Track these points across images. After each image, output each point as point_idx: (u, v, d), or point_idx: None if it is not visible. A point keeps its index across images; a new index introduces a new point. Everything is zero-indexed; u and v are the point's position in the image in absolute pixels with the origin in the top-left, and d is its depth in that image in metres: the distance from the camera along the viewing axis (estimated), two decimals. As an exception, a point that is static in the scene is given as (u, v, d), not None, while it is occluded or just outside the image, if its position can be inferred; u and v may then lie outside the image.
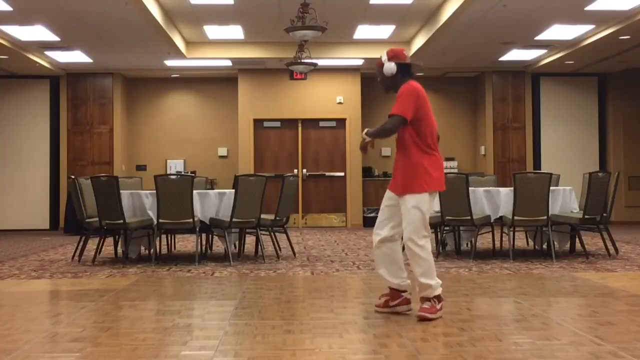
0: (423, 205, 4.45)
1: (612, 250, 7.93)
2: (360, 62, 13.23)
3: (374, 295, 5.08)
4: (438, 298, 4.44)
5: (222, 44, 12.34)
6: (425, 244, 4.43)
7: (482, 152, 14.26)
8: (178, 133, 14.59)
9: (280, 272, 6.73)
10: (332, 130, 13.90)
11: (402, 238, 4.56)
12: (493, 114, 13.91)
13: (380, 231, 4.58)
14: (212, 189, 10.09)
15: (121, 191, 7.40)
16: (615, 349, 3.52)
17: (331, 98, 13.82)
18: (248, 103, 13.73)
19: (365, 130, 4.64)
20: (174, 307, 4.87)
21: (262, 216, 7.70)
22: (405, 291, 4.59)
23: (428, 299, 4.43)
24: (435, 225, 8.04)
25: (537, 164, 13.87)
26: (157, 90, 14.61)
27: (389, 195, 4.63)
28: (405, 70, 4.62)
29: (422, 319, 4.34)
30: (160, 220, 7.38)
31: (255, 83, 13.78)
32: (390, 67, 4.59)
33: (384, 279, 4.63)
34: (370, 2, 9.61)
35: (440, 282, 4.48)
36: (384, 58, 4.64)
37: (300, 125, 13.86)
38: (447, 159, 14.47)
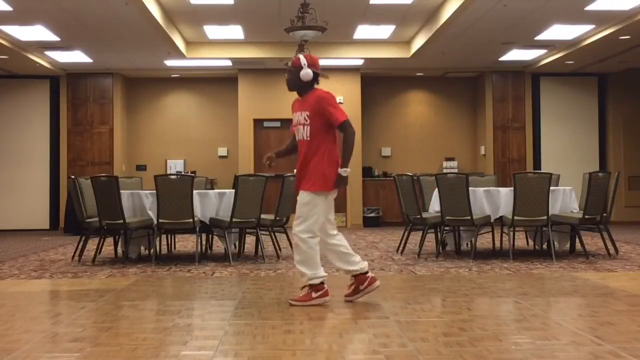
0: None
1: (612, 250, 7.92)
2: (360, 62, 13.22)
3: (374, 295, 5.08)
4: (316, 288, 4.80)
5: (222, 44, 12.34)
6: (307, 238, 4.81)
7: (482, 152, 14.26)
8: (178, 133, 14.59)
9: (280, 272, 6.73)
10: (332, 130, 13.87)
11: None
12: (493, 114, 13.91)
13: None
14: (212, 189, 10.08)
15: (121, 191, 7.40)
16: (615, 349, 3.52)
17: (331, 98, 13.79)
18: (248, 103, 13.73)
19: (345, 169, 4.91)
20: (174, 307, 4.87)
21: (262, 216, 7.70)
22: (367, 272, 4.97)
23: (304, 287, 4.88)
24: (435, 225, 8.05)
25: (537, 164, 13.87)
26: (157, 90, 14.62)
27: None
28: (316, 79, 4.94)
29: (290, 305, 4.81)
30: (160, 220, 7.38)
31: (255, 83, 13.77)
32: (308, 73, 4.87)
33: (343, 270, 4.98)
34: (370, 2, 9.60)
35: (320, 274, 4.80)
36: (304, 62, 4.89)
37: (300, 125, 13.84)
38: (447, 159, 14.50)
